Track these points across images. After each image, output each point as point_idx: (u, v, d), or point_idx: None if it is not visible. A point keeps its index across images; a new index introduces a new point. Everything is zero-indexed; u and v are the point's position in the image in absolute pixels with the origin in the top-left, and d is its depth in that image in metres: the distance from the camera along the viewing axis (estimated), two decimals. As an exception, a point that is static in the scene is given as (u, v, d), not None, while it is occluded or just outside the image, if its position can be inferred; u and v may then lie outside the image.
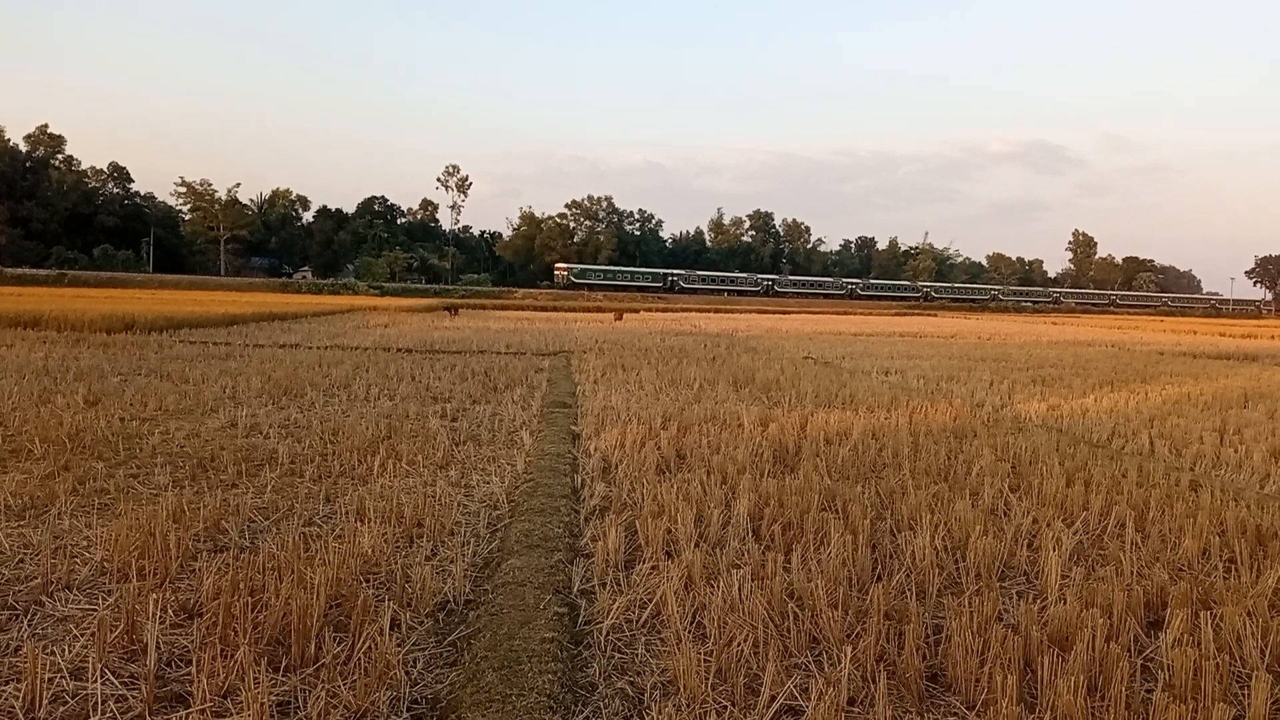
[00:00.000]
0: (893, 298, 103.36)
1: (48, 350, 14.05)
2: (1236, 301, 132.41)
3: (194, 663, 3.13)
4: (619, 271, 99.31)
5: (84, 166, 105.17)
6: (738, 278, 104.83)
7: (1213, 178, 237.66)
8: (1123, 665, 3.12)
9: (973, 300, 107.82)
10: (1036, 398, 11.71)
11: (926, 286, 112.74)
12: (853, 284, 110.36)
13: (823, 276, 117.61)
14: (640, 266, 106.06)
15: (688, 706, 2.99)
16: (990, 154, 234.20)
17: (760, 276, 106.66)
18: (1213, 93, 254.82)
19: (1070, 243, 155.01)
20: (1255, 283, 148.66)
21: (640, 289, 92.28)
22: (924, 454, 7.18)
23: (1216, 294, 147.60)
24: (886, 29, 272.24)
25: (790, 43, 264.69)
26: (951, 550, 4.71)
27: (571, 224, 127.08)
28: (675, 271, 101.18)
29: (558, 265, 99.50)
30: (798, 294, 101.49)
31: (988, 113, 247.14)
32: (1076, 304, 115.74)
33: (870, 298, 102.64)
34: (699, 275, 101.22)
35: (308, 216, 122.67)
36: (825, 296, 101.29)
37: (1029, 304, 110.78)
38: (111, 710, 2.87)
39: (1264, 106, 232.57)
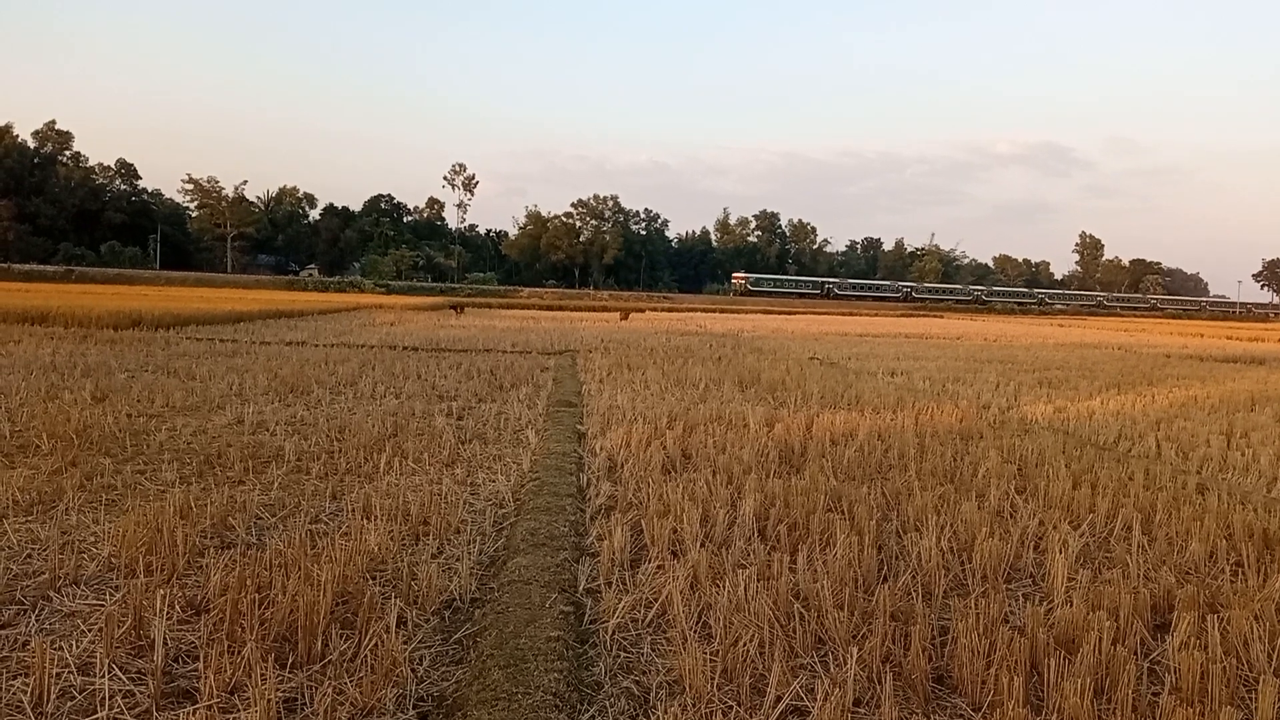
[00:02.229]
0: (1016, 302, 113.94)
1: (55, 346, 14.11)
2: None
3: (201, 659, 3.14)
4: (786, 280, 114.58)
5: (91, 163, 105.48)
6: (882, 285, 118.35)
7: (1221, 179, 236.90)
8: (1130, 668, 3.11)
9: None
10: (1043, 400, 11.69)
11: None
12: (977, 290, 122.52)
13: (952, 284, 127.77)
14: (803, 275, 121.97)
15: (693, 706, 2.99)
16: (997, 155, 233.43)
17: (901, 284, 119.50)
18: (1221, 94, 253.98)
19: (1077, 245, 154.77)
20: (1263, 286, 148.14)
21: (801, 295, 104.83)
22: (930, 455, 7.17)
23: (1226, 296, 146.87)
24: (893, 30, 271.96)
25: (797, 44, 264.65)
26: (958, 552, 4.71)
27: (577, 223, 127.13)
28: (831, 280, 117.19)
29: (735, 275, 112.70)
30: (935, 300, 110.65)
31: (994, 114, 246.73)
32: (1002, 303, 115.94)
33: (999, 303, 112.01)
34: (850, 283, 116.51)
35: (314, 214, 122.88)
36: (957, 303, 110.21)
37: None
38: (119, 705, 2.88)
39: (1272, 107, 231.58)
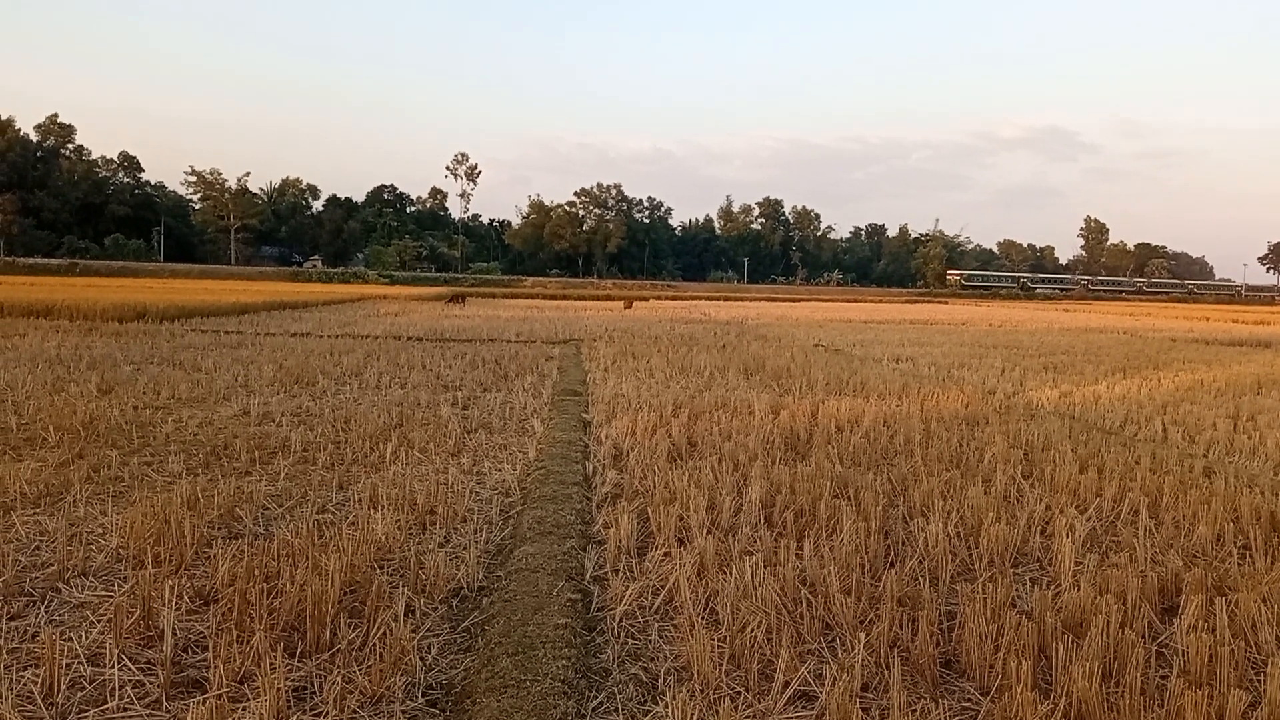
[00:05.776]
0: (1000, 287, 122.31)
1: (60, 339, 14.14)
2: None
3: (210, 648, 3.15)
4: (990, 275, 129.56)
5: (94, 156, 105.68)
6: (1064, 279, 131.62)
7: (1228, 162, 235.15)
8: (1138, 651, 3.11)
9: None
10: (1048, 384, 11.65)
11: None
12: (1140, 282, 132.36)
13: (1095, 276, 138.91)
14: (1000, 271, 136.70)
15: (701, 692, 2.99)
16: (1002, 140, 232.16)
17: (1079, 277, 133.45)
18: (1227, 74, 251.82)
19: (1082, 229, 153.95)
20: (1268, 269, 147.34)
21: (1004, 288, 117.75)
22: (936, 441, 7.16)
23: (1231, 280, 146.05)
24: (896, 15, 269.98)
25: (800, 29, 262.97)
26: (964, 537, 4.70)
27: (581, 212, 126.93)
28: (1025, 275, 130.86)
29: (950, 271, 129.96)
30: (1112, 295, 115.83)
31: (999, 98, 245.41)
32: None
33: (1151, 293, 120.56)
34: (1040, 278, 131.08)
35: (317, 205, 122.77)
36: (1120, 295, 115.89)
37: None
38: (129, 695, 2.89)
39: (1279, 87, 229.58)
